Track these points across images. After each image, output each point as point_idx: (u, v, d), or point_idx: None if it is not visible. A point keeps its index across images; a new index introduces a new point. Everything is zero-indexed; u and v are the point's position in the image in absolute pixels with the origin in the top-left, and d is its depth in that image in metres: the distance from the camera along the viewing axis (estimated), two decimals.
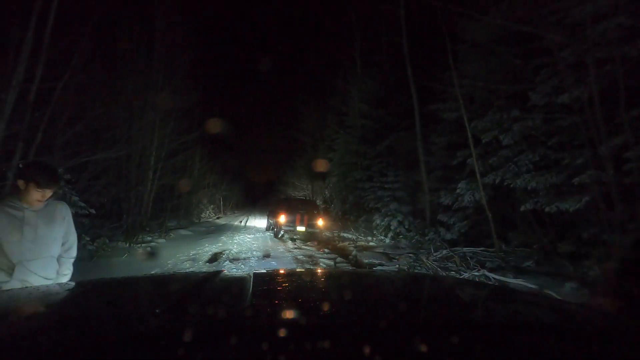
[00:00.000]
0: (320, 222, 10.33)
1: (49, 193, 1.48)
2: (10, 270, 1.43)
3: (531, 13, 4.83)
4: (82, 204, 5.46)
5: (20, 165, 1.63)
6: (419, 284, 1.17)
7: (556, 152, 5.25)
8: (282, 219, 9.92)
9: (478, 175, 6.50)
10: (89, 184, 6.45)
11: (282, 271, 1.35)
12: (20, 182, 1.43)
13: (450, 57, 7.12)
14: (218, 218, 22.66)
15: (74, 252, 1.77)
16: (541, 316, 0.74)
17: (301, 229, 9.88)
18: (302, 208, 10.37)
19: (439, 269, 5.46)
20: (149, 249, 7.14)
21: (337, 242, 9.78)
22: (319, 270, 3.43)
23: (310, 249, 8.22)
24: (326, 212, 13.86)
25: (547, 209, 5.05)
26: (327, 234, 10.88)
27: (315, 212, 10.55)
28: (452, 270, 5.36)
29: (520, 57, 5.73)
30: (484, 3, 6.00)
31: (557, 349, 0.48)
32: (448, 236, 7.48)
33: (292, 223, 9.86)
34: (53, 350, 0.43)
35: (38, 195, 1.45)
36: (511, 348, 0.47)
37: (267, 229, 12.72)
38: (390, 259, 6.72)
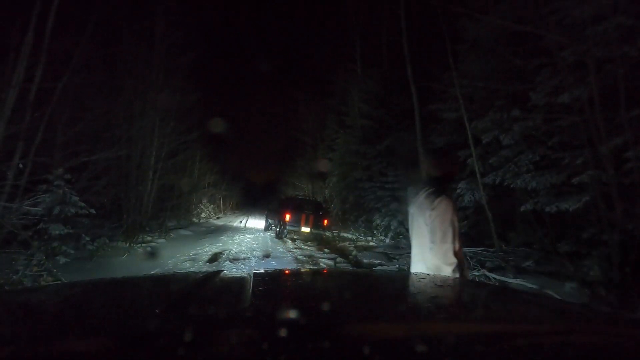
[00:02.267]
0: (326, 223, 10.25)
1: None
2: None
3: (531, 13, 4.83)
4: (82, 204, 5.45)
5: (441, 154, 1.64)
6: (419, 284, 1.17)
7: (556, 152, 5.24)
8: (287, 218, 9.83)
9: (478, 175, 6.49)
10: (89, 184, 6.44)
11: (282, 271, 1.35)
12: (455, 167, 1.53)
13: (450, 57, 7.12)
14: (218, 218, 22.67)
15: None
16: (541, 316, 0.74)
17: (306, 229, 9.76)
18: (308, 208, 10.24)
19: None
20: (149, 249, 7.14)
21: (337, 242, 9.78)
22: (319, 270, 3.43)
23: (310, 249, 8.22)
24: (327, 212, 13.86)
25: (547, 209, 5.05)
26: (327, 234, 10.88)
27: (320, 212, 10.45)
28: None
29: (520, 57, 5.72)
30: (484, 3, 6.00)
31: (557, 349, 0.48)
32: None
33: (296, 223, 9.77)
34: (52, 350, 0.43)
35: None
36: (511, 348, 0.47)
37: (266, 229, 12.68)
38: (390, 259, 6.72)
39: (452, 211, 1.35)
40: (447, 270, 1.31)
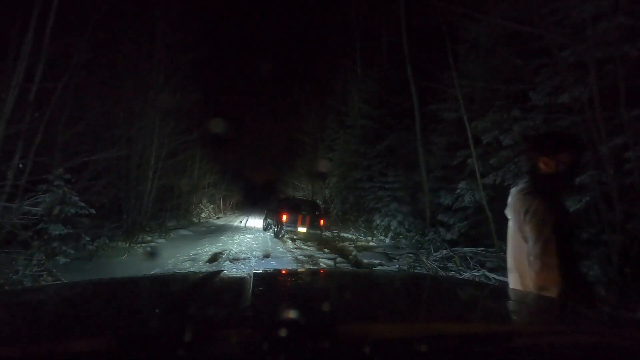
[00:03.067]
0: (322, 224, 10.29)
1: None
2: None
3: (531, 13, 4.83)
4: (82, 204, 5.45)
5: (540, 138, 1.26)
6: (419, 284, 1.17)
7: None
8: (284, 218, 9.89)
9: (478, 176, 6.49)
10: (89, 184, 6.44)
11: (282, 271, 1.35)
12: (546, 160, 1.13)
13: (450, 57, 7.12)
14: (218, 218, 22.67)
15: None
16: (541, 316, 0.74)
17: (302, 229, 9.81)
18: (304, 209, 10.30)
19: (439, 269, 5.47)
20: (149, 249, 7.14)
21: (337, 242, 9.77)
22: (319, 270, 3.43)
23: (310, 249, 8.21)
24: (326, 212, 13.85)
25: None
26: (327, 234, 10.88)
27: (317, 213, 10.50)
28: (452, 270, 5.37)
29: (520, 57, 5.72)
30: (484, 3, 6.00)
31: (557, 349, 0.48)
32: (448, 236, 7.48)
33: (293, 223, 9.81)
34: (52, 350, 0.43)
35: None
36: (511, 348, 0.47)
37: (265, 229, 12.69)
38: (390, 259, 6.72)
39: (547, 216, 1.07)
40: (550, 292, 1.03)
